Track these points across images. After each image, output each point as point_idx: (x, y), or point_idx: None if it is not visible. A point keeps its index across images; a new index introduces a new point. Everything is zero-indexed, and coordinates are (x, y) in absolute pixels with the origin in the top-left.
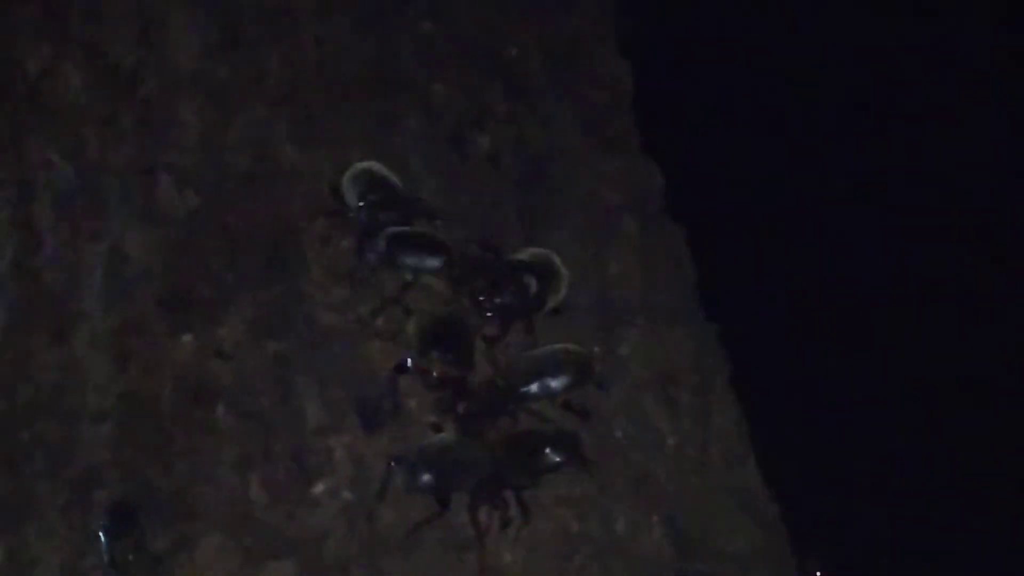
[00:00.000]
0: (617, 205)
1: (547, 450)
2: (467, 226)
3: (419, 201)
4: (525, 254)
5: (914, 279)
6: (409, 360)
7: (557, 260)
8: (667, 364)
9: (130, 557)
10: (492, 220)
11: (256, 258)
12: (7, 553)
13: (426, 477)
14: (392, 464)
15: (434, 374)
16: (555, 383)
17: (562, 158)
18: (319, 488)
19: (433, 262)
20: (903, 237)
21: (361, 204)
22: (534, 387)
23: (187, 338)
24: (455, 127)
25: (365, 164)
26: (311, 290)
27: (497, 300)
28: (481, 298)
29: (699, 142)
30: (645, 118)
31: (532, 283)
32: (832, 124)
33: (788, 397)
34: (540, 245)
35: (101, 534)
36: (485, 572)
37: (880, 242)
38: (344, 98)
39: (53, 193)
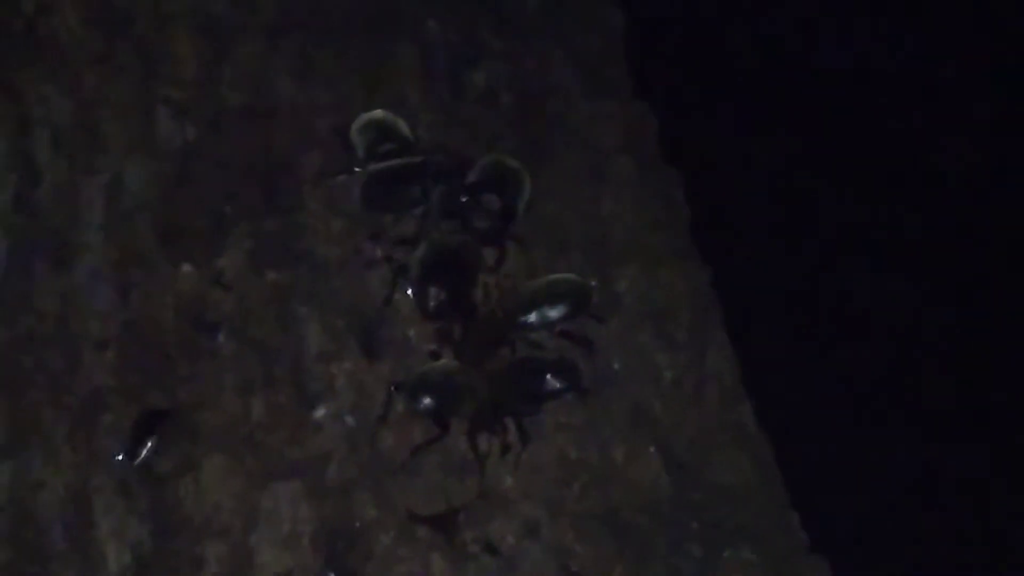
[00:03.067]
0: (612, 146)
1: (547, 376)
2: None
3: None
4: (476, 171)
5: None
6: (409, 291)
7: (510, 161)
8: (662, 302)
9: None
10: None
11: (254, 191)
12: (12, 477)
13: (427, 400)
14: (393, 389)
15: (431, 305)
16: (553, 312)
17: (557, 98)
18: (321, 412)
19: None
20: (907, 179)
21: (369, 155)
22: (532, 317)
23: (187, 268)
24: (450, 63)
25: (373, 115)
26: (310, 222)
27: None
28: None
29: (694, 85)
30: (638, 62)
31: (493, 200)
32: (833, 59)
33: (784, 339)
34: (537, 183)
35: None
36: (485, 495)
37: (886, 183)
38: (338, 33)
39: (51, 128)
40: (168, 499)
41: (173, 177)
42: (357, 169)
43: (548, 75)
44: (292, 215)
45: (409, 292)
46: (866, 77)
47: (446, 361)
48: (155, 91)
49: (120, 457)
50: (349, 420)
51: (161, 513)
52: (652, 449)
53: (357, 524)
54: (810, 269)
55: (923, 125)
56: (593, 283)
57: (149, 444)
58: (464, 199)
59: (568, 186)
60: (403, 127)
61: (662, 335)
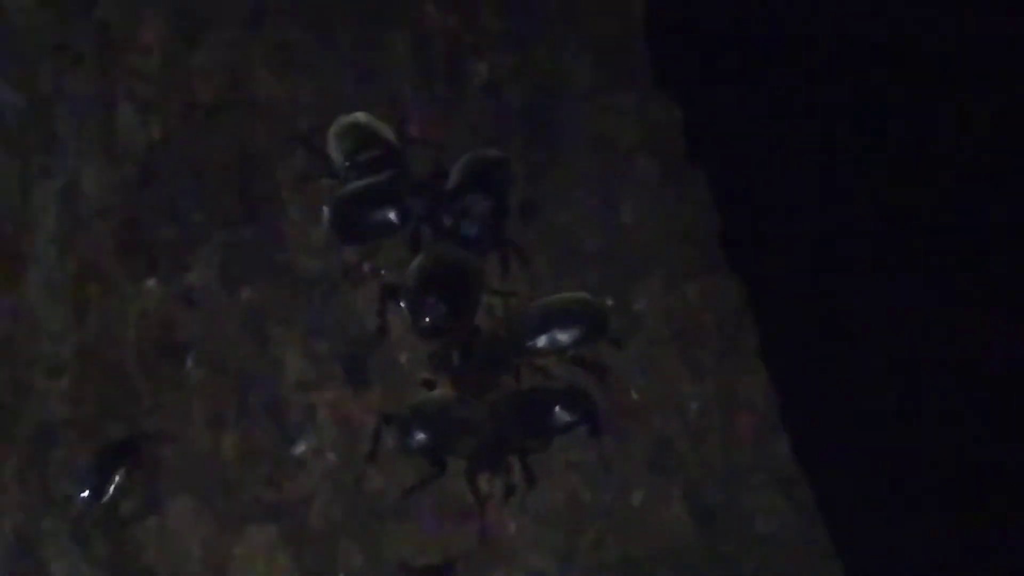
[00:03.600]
0: (631, 145)
1: (556, 409)
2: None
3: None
4: (455, 173)
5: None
6: (403, 303)
7: (490, 152)
8: (688, 323)
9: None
10: None
11: (227, 196)
12: None
13: (420, 437)
14: (383, 423)
15: (426, 320)
16: (564, 335)
17: (569, 91)
18: (300, 448)
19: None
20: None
21: (348, 164)
22: (540, 340)
23: (151, 284)
24: (449, 53)
25: (352, 118)
26: (290, 232)
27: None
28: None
29: (721, 76)
30: (659, 50)
31: (479, 200)
32: (878, 40)
33: (826, 366)
34: (545, 188)
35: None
36: (486, 543)
37: (933, 188)
38: (324, 19)
39: (2, 126)
40: (128, 545)
41: (136, 181)
42: (334, 180)
43: (559, 65)
44: (270, 224)
45: (402, 304)
46: (917, 59)
47: (443, 391)
48: (117, 84)
49: (84, 495)
50: (332, 457)
51: (120, 561)
52: (676, 491)
53: (341, 575)
54: (858, 285)
55: (993, 108)
56: (609, 302)
57: (118, 479)
58: (447, 208)
59: (581, 191)
60: (386, 132)
61: (688, 360)
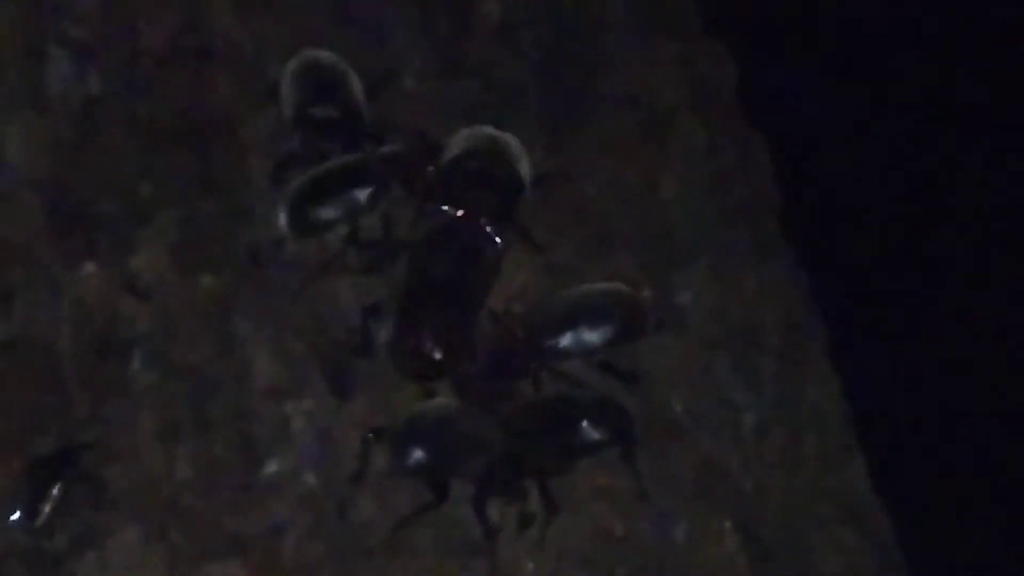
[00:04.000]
0: (673, 104)
1: (583, 424)
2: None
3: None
4: (456, 142)
5: None
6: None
7: (505, 139)
8: (743, 318)
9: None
10: (502, 120)
11: (181, 162)
12: None
13: (417, 455)
14: (371, 438)
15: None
16: (593, 335)
17: (601, 38)
18: (272, 468)
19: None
20: None
21: (300, 118)
22: (564, 340)
23: (90, 268)
24: None
25: (315, 56)
26: (258, 206)
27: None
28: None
29: (784, 23)
30: None
31: (487, 169)
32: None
33: (911, 373)
34: (569, 155)
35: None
36: None
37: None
38: None
39: None
40: None
41: (71, 143)
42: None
43: (587, 5)
44: (233, 196)
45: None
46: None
47: (444, 400)
48: (48, 27)
49: (14, 518)
50: (310, 479)
51: None
52: (727, 524)
53: None
54: (950, 276)
55: None
56: (647, 294)
57: (55, 494)
58: (449, 177)
59: (613, 159)
60: (354, 83)
61: (742, 366)
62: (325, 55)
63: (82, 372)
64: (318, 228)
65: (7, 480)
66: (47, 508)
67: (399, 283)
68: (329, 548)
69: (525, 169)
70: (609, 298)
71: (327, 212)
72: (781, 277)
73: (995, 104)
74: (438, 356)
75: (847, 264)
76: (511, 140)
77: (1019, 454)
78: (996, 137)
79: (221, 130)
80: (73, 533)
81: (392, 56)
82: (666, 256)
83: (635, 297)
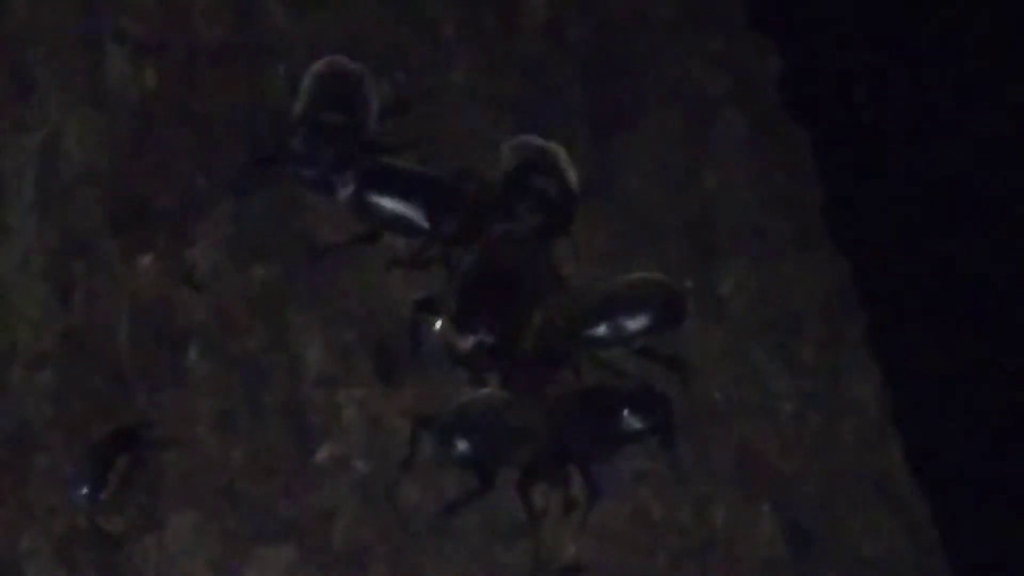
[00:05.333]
0: (718, 96)
1: (625, 412)
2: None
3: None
4: (510, 154)
5: None
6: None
7: (555, 151)
8: (783, 307)
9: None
10: (547, 114)
11: (235, 156)
12: None
13: (464, 445)
14: (419, 427)
15: (468, 346)
16: (633, 324)
17: (646, 32)
18: (323, 455)
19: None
20: None
21: (302, 117)
22: (603, 329)
23: (147, 261)
24: None
25: (343, 62)
26: (310, 198)
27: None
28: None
29: (828, 17)
30: None
31: (546, 182)
32: None
33: (946, 360)
34: (615, 147)
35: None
36: (542, 567)
37: None
38: None
39: None
40: (122, 567)
41: (128, 138)
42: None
43: (631, 1)
44: (286, 189)
45: (438, 326)
46: None
47: (491, 390)
48: (105, 22)
49: (83, 492)
50: (360, 466)
51: None
52: (765, 508)
53: None
54: (991, 267)
55: None
56: (688, 284)
57: (120, 466)
58: (506, 197)
59: (656, 151)
60: (371, 96)
61: (781, 354)
62: (352, 65)
63: (140, 362)
64: (373, 217)
65: (70, 465)
66: (114, 478)
67: (457, 275)
68: (378, 532)
69: (575, 181)
70: (647, 287)
71: (392, 206)
72: (823, 265)
73: None
74: (491, 342)
75: (886, 254)
76: (560, 151)
77: None
78: None
79: (274, 124)
80: (132, 517)
81: (441, 52)
82: (708, 247)
83: (672, 286)
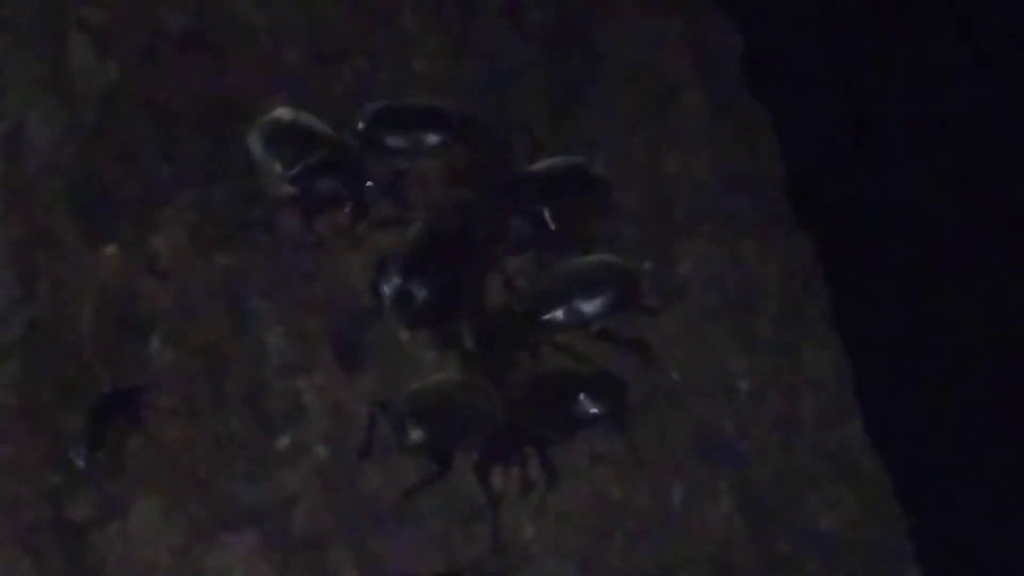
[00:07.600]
0: (677, 76)
1: (581, 396)
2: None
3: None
4: (544, 164)
5: None
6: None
7: (594, 169)
8: (741, 286)
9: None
10: (510, 97)
11: (198, 146)
12: None
13: (417, 432)
14: (378, 412)
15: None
16: (589, 307)
17: (602, 13)
18: (284, 442)
19: (431, 138)
20: None
21: (297, 169)
22: (561, 312)
23: (111, 250)
24: None
25: (277, 118)
26: (267, 187)
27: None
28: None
29: None
30: None
31: (545, 215)
32: None
33: (908, 333)
34: (575, 129)
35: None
36: (500, 549)
37: None
38: None
39: None
40: (87, 555)
41: (91, 128)
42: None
43: None
44: (248, 180)
45: (384, 289)
46: None
47: (448, 374)
48: (68, 12)
49: (80, 449)
50: (321, 451)
51: (77, 573)
52: (723, 486)
53: None
54: (956, 240)
55: None
56: (647, 266)
57: (118, 425)
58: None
59: (616, 131)
60: (319, 126)
61: (739, 332)
62: (282, 112)
63: (104, 350)
64: (382, 153)
65: (38, 454)
66: (112, 438)
67: (408, 235)
68: (339, 517)
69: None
70: (601, 269)
71: (396, 141)
72: (782, 244)
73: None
74: (429, 300)
75: (850, 226)
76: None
77: (1017, 412)
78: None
79: (237, 115)
80: (96, 504)
81: (402, 39)
82: (667, 227)
83: (627, 267)
